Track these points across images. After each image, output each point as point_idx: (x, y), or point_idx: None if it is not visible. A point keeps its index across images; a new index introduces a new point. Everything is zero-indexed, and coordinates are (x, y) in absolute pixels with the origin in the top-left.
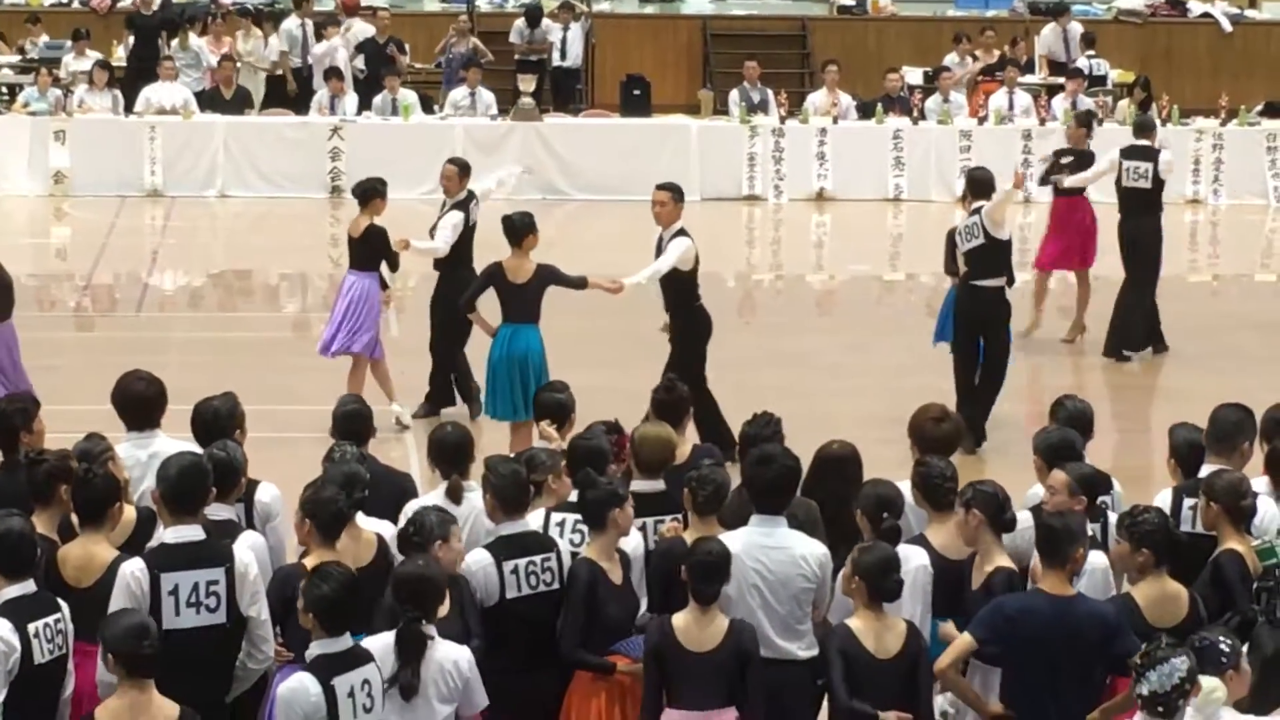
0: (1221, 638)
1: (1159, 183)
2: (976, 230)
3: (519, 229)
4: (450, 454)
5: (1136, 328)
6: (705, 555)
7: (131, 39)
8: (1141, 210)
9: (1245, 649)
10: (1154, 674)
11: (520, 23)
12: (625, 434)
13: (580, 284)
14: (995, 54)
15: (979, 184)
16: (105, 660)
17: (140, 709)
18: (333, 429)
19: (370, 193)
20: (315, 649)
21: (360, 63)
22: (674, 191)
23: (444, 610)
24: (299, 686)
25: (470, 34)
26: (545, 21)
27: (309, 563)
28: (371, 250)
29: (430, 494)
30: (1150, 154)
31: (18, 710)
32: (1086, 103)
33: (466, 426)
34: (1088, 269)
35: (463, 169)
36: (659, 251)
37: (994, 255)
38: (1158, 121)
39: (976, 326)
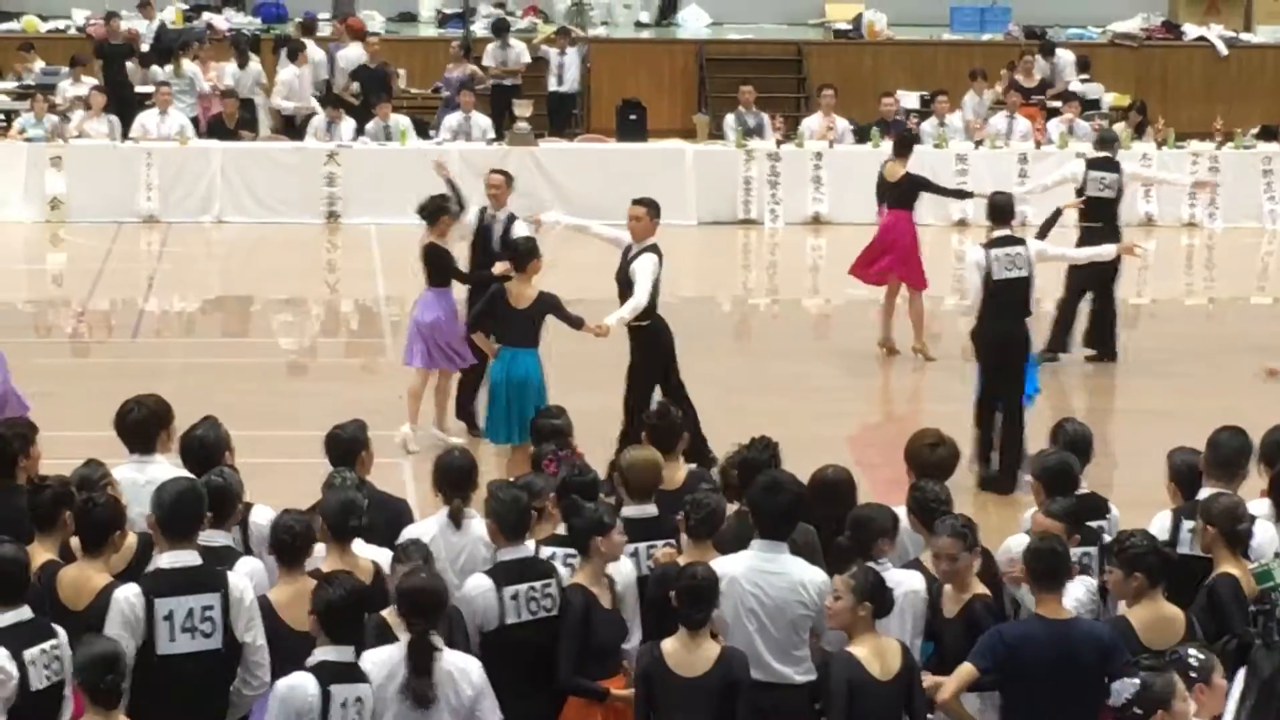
0: (1193, 651)
1: (1121, 194)
2: (1021, 262)
3: (524, 255)
4: (455, 479)
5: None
6: (691, 580)
7: (99, 67)
8: (1107, 219)
9: (1243, 671)
10: (1119, 685)
11: (493, 46)
12: (574, 448)
13: (577, 323)
14: (1037, 78)
15: (1001, 210)
16: (75, 687)
17: None
18: (328, 454)
19: (438, 211)
20: (320, 655)
21: (355, 89)
22: (650, 206)
23: None
24: (298, 684)
25: (466, 59)
26: (517, 43)
27: (278, 594)
28: (434, 268)
29: (431, 519)
30: (1114, 165)
31: None
32: (1084, 126)
33: (471, 453)
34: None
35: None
36: (624, 264)
37: (1029, 290)
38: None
39: (1010, 365)
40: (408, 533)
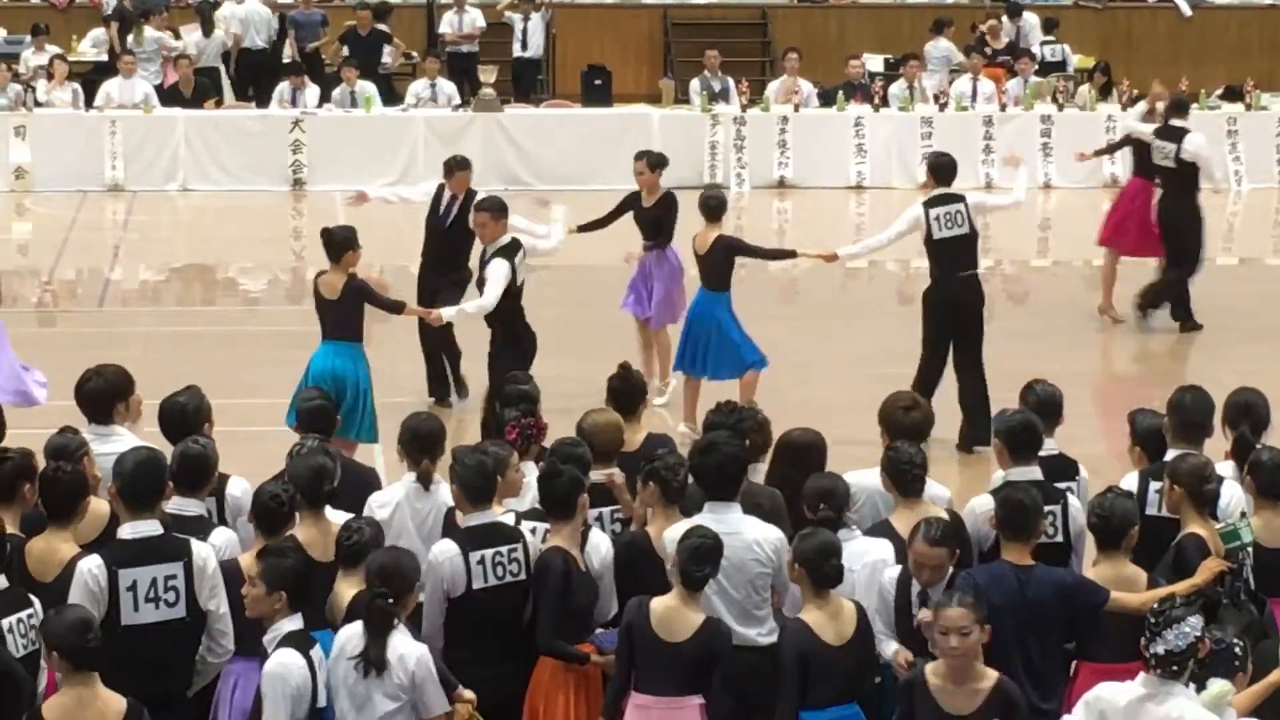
0: (1235, 640)
1: (1184, 163)
2: (960, 219)
3: (337, 244)
4: (423, 442)
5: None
6: (700, 539)
7: (116, 29)
8: (1175, 190)
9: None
10: (1170, 633)
11: (450, 13)
12: (539, 415)
13: (397, 308)
14: (1004, 40)
15: (943, 169)
16: (48, 658)
17: (87, 704)
18: (297, 423)
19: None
20: (279, 629)
21: (345, 52)
22: (494, 211)
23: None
24: (289, 662)
25: (371, 23)
26: (472, 9)
27: (250, 561)
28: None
29: (398, 484)
30: (1178, 134)
31: None
32: (1037, 81)
33: (439, 417)
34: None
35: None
36: (482, 268)
37: (974, 245)
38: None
39: (961, 320)
40: (375, 498)
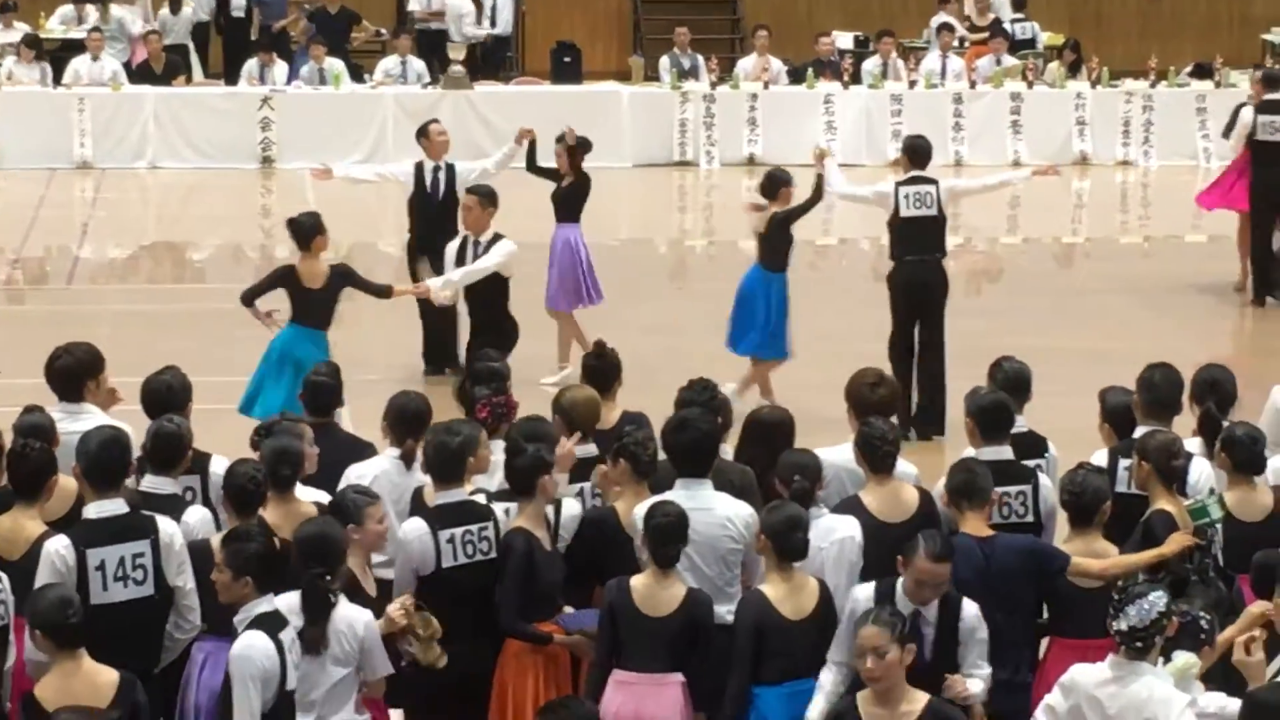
0: (1202, 614)
1: None
2: (930, 201)
3: (306, 231)
4: (410, 421)
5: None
6: (664, 517)
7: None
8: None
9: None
10: (1132, 609)
11: None
12: (509, 393)
13: (385, 291)
14: (989, 17)
15: (918, 152)
16: (33, 638)
17: (79, 679)
18: (301, 396)
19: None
20: (249, 610)
21: (310, 29)
22: (485, 196)
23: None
24: (256, 644)
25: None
26: None
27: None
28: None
29: (381, 456)
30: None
31: None
32: (1009, 61)
33: (427, 396)
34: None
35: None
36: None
37: (940, 230)
38: None
39: (921, 303)
40: (355, 468)
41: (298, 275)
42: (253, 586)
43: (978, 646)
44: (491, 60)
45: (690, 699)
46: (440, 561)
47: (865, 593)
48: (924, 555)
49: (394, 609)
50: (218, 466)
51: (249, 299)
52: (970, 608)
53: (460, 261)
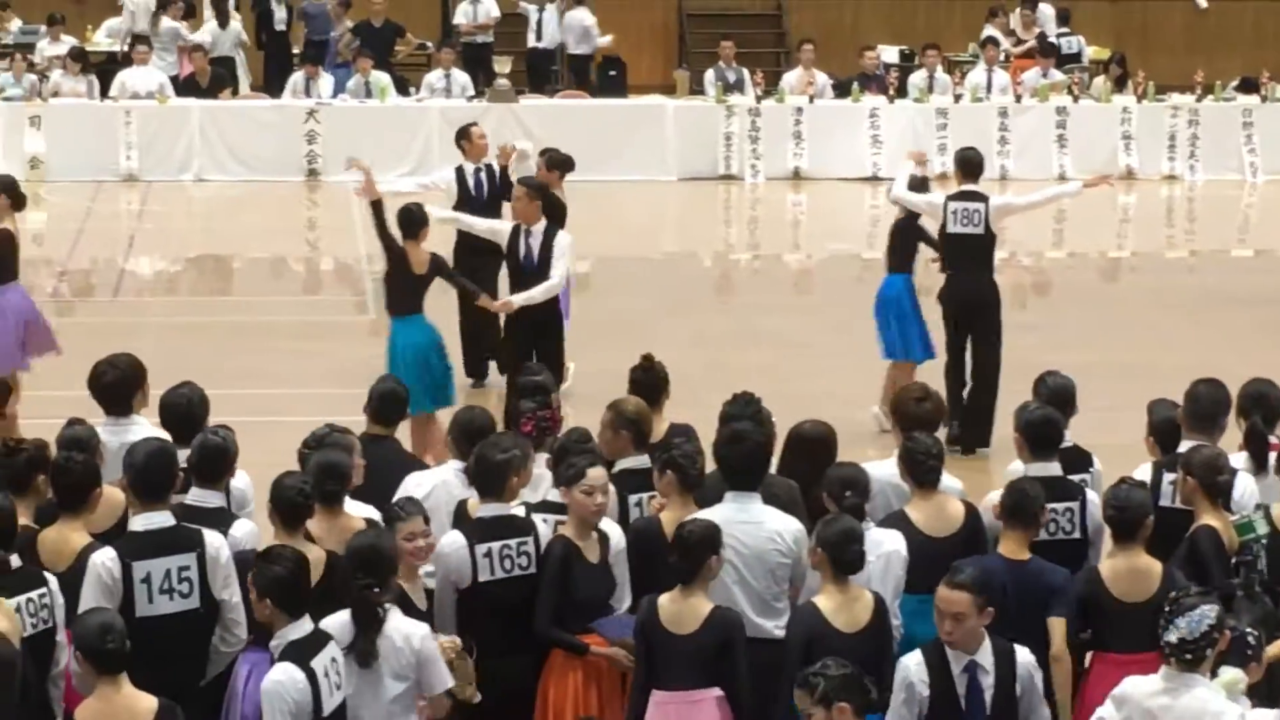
0: (1249, 629)
1: None
2: (977, 219)
3: (416, 222)
4: (475, 436)
5: None
6: (686, 534)
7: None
8: None
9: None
10: (1183, 620)
11: (464, 3)
12: (555, 407)
13: (474, 294)
14: (1035, 31)
15: (970, 164)
16: (76, 659)
17: (117, 705)
18: (366, 406)
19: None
20: (284, 636)
21: (355, 43)
22: (535, 190)
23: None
24: (285, 678)
25: (344, 15)
26: (486, 0)
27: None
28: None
29: (444, 467)
30: None
31: None
32: (1056, 76)
33: (490, 412)
34: None
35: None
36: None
37: (988, 248)
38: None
39: (973, 320)
40: (413, 476)
41: (409, 259)
42: (273, 609)
43: (1035, 693)
44: (536, 74)
45: (729, 713)
46: (477, 575)
47: (914, 660)
48: (943, 581)
49: (445, 641)
50: (239, 481)
51: (380, 214)
52: (1024, 656)
53: (513, 250)
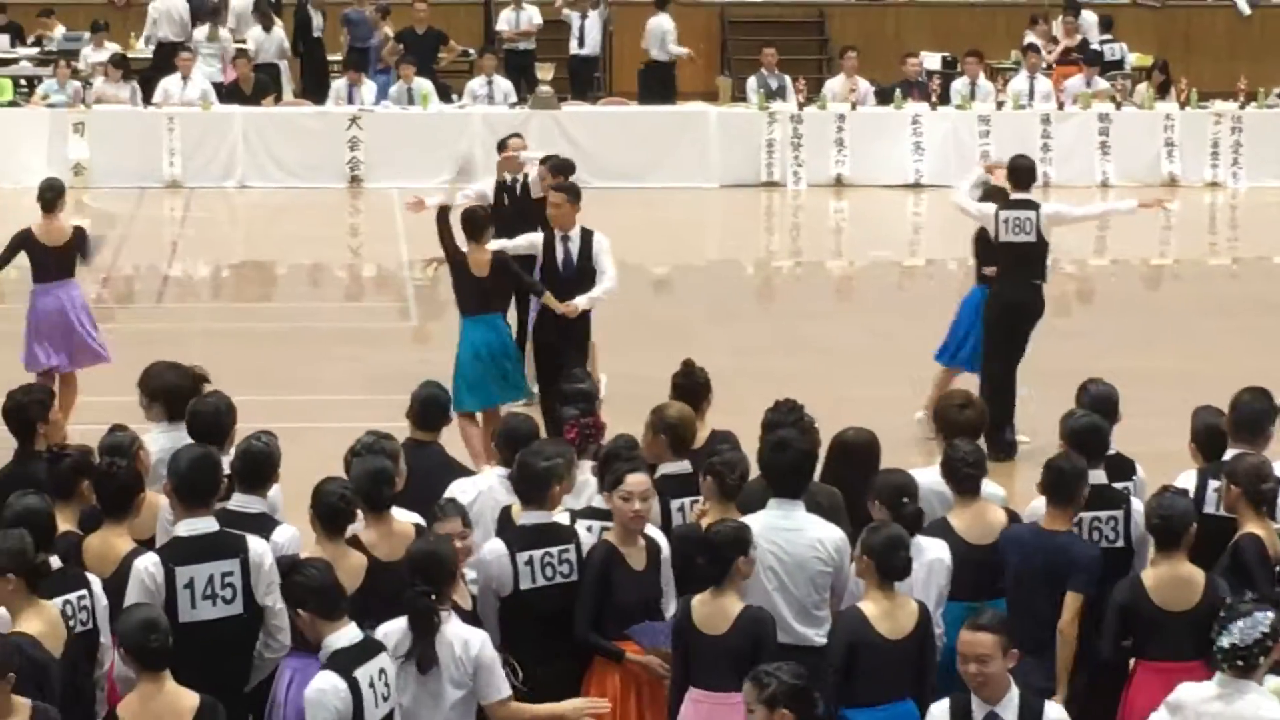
0: None
1: None
2: (1029, 227)
3: (481, 225)
4: (520, 443)
5: None
6: (713, 536)
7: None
8: None
9: None
10: (1236, 626)
11: (507, 10)
12: (597, 414)
13: (538, 291)
14: (1077, 38)
15: (1021, 172)
16: (120, 654)
17: (160, 701)
18: (409, 412)
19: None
20: (330, 644)
21: (399, 50)
22: (571, 193)
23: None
24: (327, 686)
25: (383, 22)
26: (529, 6)
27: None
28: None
29: (491, 472)
30: None
31: None
32: (1100, 84)
33: (535, 420)
34: None
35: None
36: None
37: (1041, 256)
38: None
39: (1016, 324)
40: (459, 483)
41: (468, 263)
42: (311, 617)
43: None
44: (579, 80)
45: None
46: (518, 583)
47: (941, 709)
48: (964, 625)
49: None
50: (271, 491)
51: (443, 217)
52: (1053, 711)
53: (550, 256)
